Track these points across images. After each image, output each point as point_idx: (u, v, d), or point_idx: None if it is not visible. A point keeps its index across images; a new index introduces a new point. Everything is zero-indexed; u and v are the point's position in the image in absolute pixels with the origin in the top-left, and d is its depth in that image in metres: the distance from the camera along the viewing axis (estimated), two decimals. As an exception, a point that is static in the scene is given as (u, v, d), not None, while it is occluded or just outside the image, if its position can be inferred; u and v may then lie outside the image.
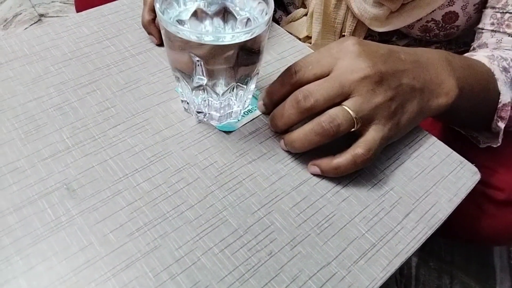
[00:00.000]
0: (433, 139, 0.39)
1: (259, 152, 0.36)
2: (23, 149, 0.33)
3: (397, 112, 0.34)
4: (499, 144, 0.47)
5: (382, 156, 0.36)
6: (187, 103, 0.37)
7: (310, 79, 0.34)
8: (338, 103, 0.33)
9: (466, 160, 0.37)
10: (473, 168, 0.37)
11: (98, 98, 0.38)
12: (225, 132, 0.37)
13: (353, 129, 0.33)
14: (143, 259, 0.28)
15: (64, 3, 1.26)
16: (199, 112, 0.36)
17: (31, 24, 1.16)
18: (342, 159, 0.33)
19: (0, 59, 0.41)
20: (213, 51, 0.30)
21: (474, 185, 0.36)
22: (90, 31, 0.45)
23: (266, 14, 0.32)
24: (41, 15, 1.20)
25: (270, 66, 0.43)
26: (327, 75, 0.34)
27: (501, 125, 0.45)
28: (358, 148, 0.33)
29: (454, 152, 0.38)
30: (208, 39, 0.30)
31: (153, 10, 0.44)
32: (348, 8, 0.60)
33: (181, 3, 0.34)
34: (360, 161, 0.33)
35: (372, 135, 0.33)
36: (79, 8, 0.70)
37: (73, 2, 1.26)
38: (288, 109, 0.34)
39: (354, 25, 0.62)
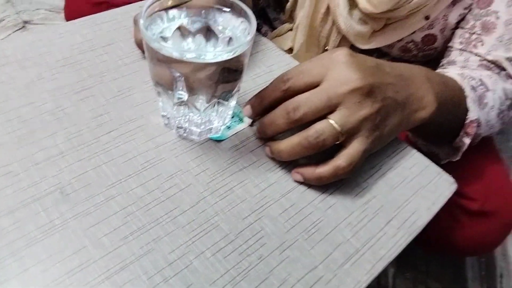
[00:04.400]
0: (413, 151, 0.41)
1: (249, 160, 0.37)
2: (17, 153, 0.34)
3: (380, 125, 0.36)
4: (457, 159, 0.50)
5: (365, 166, 0.38)
6: (168, 118, 0.37)
7: (301, 87, 0.36)
8: (326, 114, 0.35)
9: (443, 171, 0.40)
10: (450, 178, 0.39)
11: (91, 104, 0.39)
12: (216, 140, 0.38)
13: (337, 142, 0.35)
14: (137, 262, 0.29)
15: (50, 10, 1.26)
16: (179, 128, 0.37)
17: (15, 31, 1.15)
18: (324, 170, 0.35)
19: (-7, 63, 0.41)
20: (194, 68, 0.31)
21: (451, 194, 0.38)
22: (84, 39, 0.46)
23: (248, 33, 0.33)
24: (26, 22, 1.19)
25: (259, 78, 0.45)
26: (317, 85, 0.35)
27: (467, 140, 0.48)
28: (340, 160, 0.35)
29: (432, 163, 0.40)
30: (190, 57, 0.30)
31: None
32: (334, 23, 0.63)
33: (164, 20, 0.35)
34: (341, 173, 0.35)
35: (355, 148, 0.35)
36: (69, 17, 0.71)
37: (59, 10, 1.26)
38: (277, 118, 0.36)
39: (338, 40, 0.64)
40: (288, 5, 0.67)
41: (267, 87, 0.38)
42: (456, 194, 0.44)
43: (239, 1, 0.35)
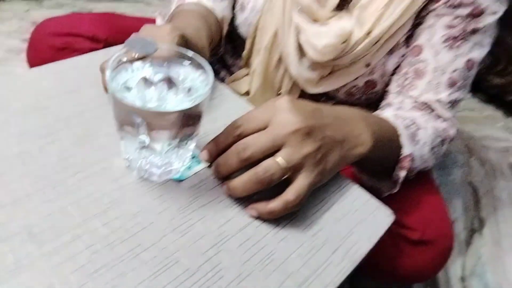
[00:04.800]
0: (355, 186, 0.46)
1: (208, 198, 0.40)
2: (-17, 196, 0.35)
3: (322, 161, 0.41)
4: (396, 190, 0.56)
5: (313, 200, 0.42)
6: (129, 160, 0.40)
7: (250, 133, 0.40)
8: (273, 153, 0.39)
9: (382, 204, 0.45)
10: (388, 211, 0.44)
11: (57, 148, 0.41)
12: (177, 180, 0.41)
13: (284, 177, 0.39)
14: (102, 297, 0.31)
15: (8, 52, 1.25)
16: (140, 169, 0.40)
17: (-28, 70, 1.14)
18: (275, 204, 0.39)
19: (-42, 109, 0.42)
20: (156, 115, 0.34)
21: (389, 225, 0.43)
22: (50, 85, 0.48)
23: (206, 84, 0.37)
24: (-18, 62, 1.18)
25: (217, 121, 0.49)
26: (264, 128, 0.40)
27: (402, 173, 0.54)
28: (289, 195, 0.39)
29: (372, 197, 0.45)
30: (152, 106, 0.34)
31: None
32: (286, 70, 0.69)
33: (129, 70, 0.38)
34: (290, 206, 0.39)
35: (301, 182, 0.39)
36: (32, 61, 0.72)
37: (17, 52, 1.26)
38: (229, 158, 0.40)
39: (291, 85, 0.71)
40: (245, 52, 0.73)
41: (221, 133, 0.42)
42: (398, 224, 0.49)
43: (198, 56, 0.39)
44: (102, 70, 0.46)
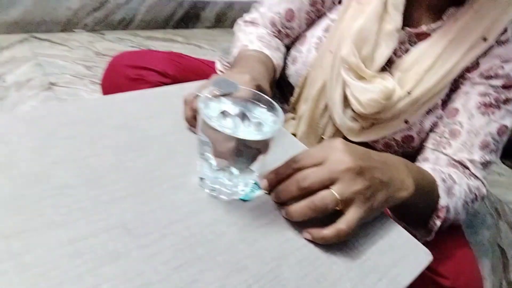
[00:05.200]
0: (397, 225, 0.51)
1: (269, 218, 0.46)
2: (87, 193, 0.41)
3: (370, 198, 0.46)
4: (431, 238, 0.59)
5: (361, 234, 0.47)
6: (203, 179, 0.46)
7: (308, 167, 0.46)
8: (327, 186, 0.44)
9: (422, 244, 0.49)
10: (426, 250, 0.49)
11: (145, 161, 0.48)
12: (243, 200, 0.47)
13: (337, 208, 0.44)
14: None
15: (74, 76, 1.39)
16: (213, 189, 0.46)
17: (42, 90, 1.26)
18: (328, 232, 0.44)
19: (65, 120, 0.50)
20: (239, 144, 0.40)
21: (428, 263, 0.47)
22: (136, 109, 0.56)
23: (276, 123, 0.44)
24: (52, 84, 1.31)
25: (274, 155, 0.55)
26: (320, 165, 0.46)
27: (438, 222, 0.59)
28: (341, 224, 0.44)
29: (412, 237, 0.50)
30: (241, 134, 0.40)
31: (192, 109, 0.54)
32: (330, 118, 0.76)
33: (212, 104, 0.45)
34: (342, 234, 0.43)
35: (352, 214, 0.44)
36: (106, 88, 0.82)
37: (81, 77, 1.39)
38: (290, 186, 0.45)
39: (333, 132, 0.77)
40: (293, 99, 0.81)
41: (281, 166, 0.47)
42: (430, 270, 0.53)
43: (271, 100, 0.46)
44: (186, 103, 0.54)
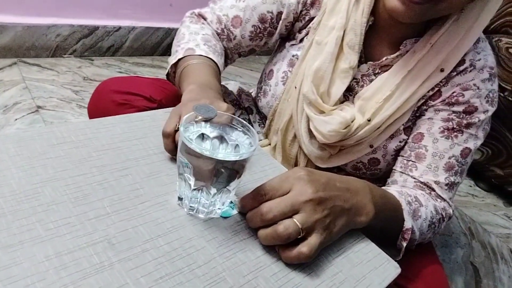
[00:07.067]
0: (369, 241, 0.54)
1: (247, 234, 0.48)
2: (73, 210, 0.44)
3: (330, 225, 0.48)
4: (399, 258, 0.62)
5: (334, 248, 0.50)
6: (181, 198, 0.49)
7: (273, 199, 0.48)
8: (290, 216, 0.46)
9: (391, 258, 0.52)
10: (395, 264, 0.52)
11: (130, 180, 0.50)
12: (223, 217, 0.50)
13: (299, 236, 0.46)
14: (164, 299, 0.38)
15: (61, 100, 1.41)
16: (191, 208, 0.48)
17: (28, 113, 1.28)
18: (291, 253, 0.46)
19: (54, 141, 0.52)
20: (214, 164, 0.43)
21: (396, 274, 0.50)
22: (122, 131, 0.59)
23: (251, 145, 0.47)
24: (39, 107, 1.33)
25: (253, 175, 0.59)
26: (285, 195, 0.48)
27: (404, 243, 0.62)
28: (303, 248, 0.45)
29: (383, 252, 0.53)
30: (221, 156, 0.43)
31: (173, 142, 0.55)
32: (300, 148, 0.81)
33: (191, 128, 0.49)
34: (303, 257, 0.45)
35: (313, 240, 0.46)
36: (92, 112, 0.84)
37: (69, 101, 1.41)
38: (254, 218, 0.47)
39: (306, 161, 0.82)
40: (264, 130, 0.86)
41: (249, 196, 0.49)
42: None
43: (248, 125, 0.49)
44: (165, 135, 0.55)
